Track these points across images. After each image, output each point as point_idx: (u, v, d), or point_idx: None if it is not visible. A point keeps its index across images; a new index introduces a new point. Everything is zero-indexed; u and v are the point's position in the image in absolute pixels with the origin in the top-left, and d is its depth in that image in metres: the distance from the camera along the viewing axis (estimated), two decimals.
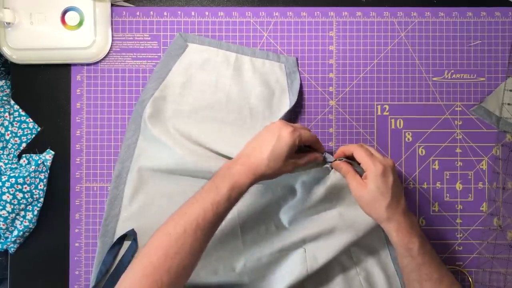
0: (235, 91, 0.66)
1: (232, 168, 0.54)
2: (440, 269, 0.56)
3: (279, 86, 0.67)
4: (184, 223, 0.50)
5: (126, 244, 0.65)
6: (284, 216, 0.65)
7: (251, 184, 0.54)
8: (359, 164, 0.57)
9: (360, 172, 0.58)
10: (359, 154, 0.57)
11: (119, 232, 0.66)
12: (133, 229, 0.65)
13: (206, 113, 0.66)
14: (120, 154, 0.67)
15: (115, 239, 0.65)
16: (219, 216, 0.52)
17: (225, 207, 0.52)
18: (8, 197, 0.63)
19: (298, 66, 0.68)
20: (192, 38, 0.68)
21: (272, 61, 0.67)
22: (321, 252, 0.63)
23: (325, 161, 0.61)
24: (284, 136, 0.54)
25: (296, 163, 0.57)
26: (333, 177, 0.62)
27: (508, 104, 0.68)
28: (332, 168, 0.61)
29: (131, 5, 0.69)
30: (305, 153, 0.59)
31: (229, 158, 0.62)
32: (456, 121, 0.69)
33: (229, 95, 0.66)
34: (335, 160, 0.60)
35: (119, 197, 0.67)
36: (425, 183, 0.69)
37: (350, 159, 0.59)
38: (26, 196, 0.64)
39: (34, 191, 0.65)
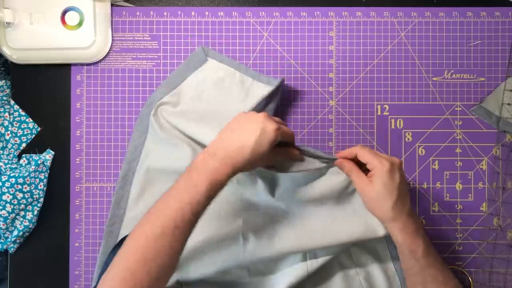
0: None
1: (209, 162, 0.50)
2: (444, 272, 0.55)
3: None
4: (161, 224, 0.47)
5: None
6: (286, 221, 0.64)
7: (230, 178, 0.51)
8: (364, 165, 0.56)
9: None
10: (363, 154, 0.56)
11: (124, 233, 0.66)
12: None
13: (212, 123, 0.66)
14: (126, 155, 0.67)
15: (119, 240, 0.65)
16: (198, 214, 0.49)
17: (204, 205, 0.49)
18: (8, 197, 0.63)
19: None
20: (213, 54, 0.68)
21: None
22: (322, 252, 0.62)
23: (302, 157, 0.60)
24: (268, 132, 0.51)
25: (273, 160, 0.56)
26: (333, 179, 0.61)
27: (508, 104, 0.68)
28: (327, 169, 0.61)
29: (131, 5, 0.69)
30: (282, 148, 0.57)
31: None
32: (456, 121, 0.69)
33: None
34: (335, 158, 0.59)
35: (124, 198, 0.67)
36: (425, 183, 0.69)
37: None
38: (26, 196, 0.64)
39: (34, 191, 0.65)
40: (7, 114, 0.68)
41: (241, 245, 0.61)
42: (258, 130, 0.51)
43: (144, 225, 0.48)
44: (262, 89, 0.67)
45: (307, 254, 0.63)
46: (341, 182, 0.61)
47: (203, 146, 0.65)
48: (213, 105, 0.67)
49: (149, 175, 0.66)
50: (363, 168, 0.57)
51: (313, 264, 0.62)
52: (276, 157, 0.56)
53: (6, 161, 0.67)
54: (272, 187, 0.64)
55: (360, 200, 0.59)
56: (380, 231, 0.59)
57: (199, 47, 0.68)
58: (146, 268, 0.45)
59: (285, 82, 0.68)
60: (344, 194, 0.62)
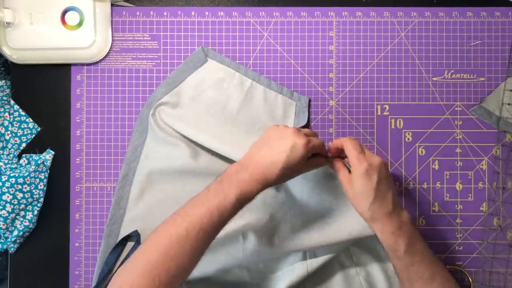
0: (241, 118, 0.66)
1: (240, 174, 0.52)
2: (432, 268, 0.55)
3: (286, 123, 0.67)
4: (186, 225, 0.48)
5: (129, 245, 0.65)
6: (285, 220, 0.64)
7: (260, 191, 0.52)
8: None
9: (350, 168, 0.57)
10: (347, 149, 0.56)
11: (123, 233, 0.66)
12: (136, 230, 0.65)
13: (211, 124, 0.66)
14: (126, 155, 0.67)
15: (118, 240, 0.65)
16: (224, 220, 0.51)
17: (231, 213, 0.51)
18: (8, 197, 0.63)
19: (309, 106, 0.68)
20: (213, 55, 0.68)
21: (284, 97, 0.67)
22: (322, 251, 0.63)
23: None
24: (298, 148, 0.52)
25: (303, 171, 0.56)
26: (332, 178, 0.62)
27: (508, 104, 0.68)
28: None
29: (131, 5, 0.69)
30: (311, 159, 0.57)
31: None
32: (456, 121, 0.69)
33: (235, 120, 0.66)
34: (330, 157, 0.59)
35: (124, 198, 0.67)
36: (425, 183, 0.69)
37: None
38: (26, 196, 0.64)
39: (34, 191, 0.65)
40: (7, 114, 0.68)
41: (241, 244, 0.61)
42: (288, 147, 0.52)
43: (169, 224, 0.50)
44: (262, 92, 0.67)
45: (307, 253, 0.63)
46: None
47: (201, 146, 0.65)
48: (212, 106, 0.67)
49: (149, 175, 0.66)
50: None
51: (313, 263, 0.62)
52: (306, 168, 0.57)
53: (6, 161, 0.67)
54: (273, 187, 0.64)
55: None
56: None
57: (199, 48, 0.68)
58: (166, 265, 0.47)
59: (285, 82, 0.68)
60: (342, 193, 0.62)
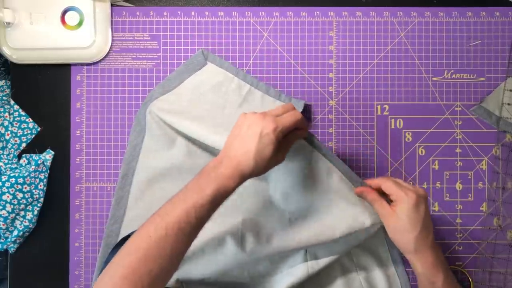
0: None
1: (217, 168, 0.50)
2: None
3: None
4: (165, 225, 0.47)
5: None
6: (284, 219, 0.64)
7: (238, 185, 0.50)
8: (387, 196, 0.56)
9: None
10: (388, 186, 0.55)
11: (123, 233, 0.66)
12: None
13: (207, 125, 0.66)
14: (125, 155, 0.67)
15: (118, 240, 0.65)
16: (202, 218, 0.49)
17: (208, 210, 0.49)
18: (8, 197, 0.63)
19: (309, 109, 0.68)
20: (212, 58, 0.68)
21: (282, 103, 0.67)
22: (323, 252, 0.62)
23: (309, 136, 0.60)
24: (267, 134, 0.50)
25: (284, 154, 0.54)
26: (328, 177, 0.62)
27: (508, 104, 0.68)
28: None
29: (131, 5, 0.69)
30: (289, 135, 0.55)
31: None
32: (456, 121, 0.69)
33: (232, 124, 0.66)
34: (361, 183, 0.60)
35: (124, 198, 0.67)
36: (425, 183, 0.69)
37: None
38: (26, 196, 0.64)
39: (34, 191, 0.65)
40: (7, 114, 0.68)
41: (240, 245, 0.61)
42: (257, 135, 0.50)
43: (148, 225, 0.48)
44: (259, 97, 0.67)
45: (308, 255, 0.63)
46: (338, 182, 0.62)
47: (198, 144, 0.65)
48: (209, 109, 0.66)
49: (149, 174, 0.66)
50: (385, 198, 0.57)
51: (314, 266, 0.62)
52: (283, 152, 0.54)
53: (6, 161, 0.67)
54: (271, 186, 0.64)
55: (350, 196, 0.60)
56: (366, 222, 0.59)
57: (199, 51, 0.68)
58: (147, 267, 0.45)
59: (285, 82, 0.68)
60: (337, 192, 0.62)
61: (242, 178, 0.50)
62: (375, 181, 0.58)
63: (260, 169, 0.51)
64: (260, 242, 0.61)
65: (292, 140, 0.56)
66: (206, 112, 0.66)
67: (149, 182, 0.66)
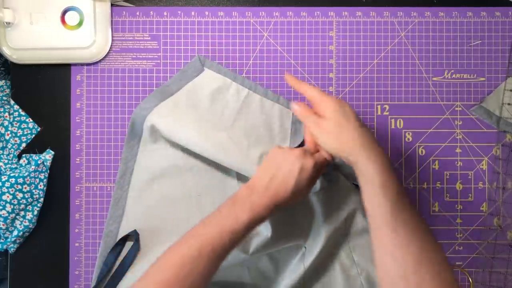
0: (237, 127, 0.66)
1: (252, 196, 0.52)
2: (420, 222, 0.49)
3: (283, 132, 0.66)
4: (199, 246, 0.49)
5: (128, 245, 0.66)
6: (282, 218, 0.65)
7: (271, 213, 0.52)
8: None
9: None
10: (312, 94, 0.55)
11: (122, 233, 0.66)
12: (135, 230, 0.65)
13: (205, 131, 0.66)
14: (123, 155, 0.67)
15: (117, 240, 0.65)
16: (235, 243, 0.51)
17: (243, 236, 0.51)
18: (8, 197, 0.63)
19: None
20: (210, 64, 0.67)
21: (281, 106, 0.67)
22: (316, 245, 0.63)
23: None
24: (307, 170, 0.53)
25: (312, 186, 0.56)
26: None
27: (508, 104, 0.68)
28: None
29: (131, 5, 0.69)
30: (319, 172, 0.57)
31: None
32: (456, 121, 0.69)
33: (231, 129, 0.66)
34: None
35: (123, 198, 0.67)
36: (425, 183, 0.69)
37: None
38: (26, 196, 0.64)
39: (34, 191, 0.65)
40: (7, 114, 0.68)
41: (241, 245, 0.61)
42: (296, 170, 0.53)
43: (182, 245, 0.50)
44: (258, 101, 0.67)
45: (306, 252, 0.63)
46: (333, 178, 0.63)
47: (195, 147, 0.64)
48: (208, 115, 0.66)
49: (147, 174, 0.66)
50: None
51: (308, 258, 0.63)
52: (313, 185, 0.57)
53: (6, 161, 0.67)
54: None
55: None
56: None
57: (196, 57, 0.67)
58: (179, 284, 0.47)
59: (285, 82, 0.68)
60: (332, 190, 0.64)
61: (278, 208, 0.53)
62: (300, 84, 0.57)
63: (293, 200, 0.54)
64: (259, 240, 0.61)
65: (320, 175, 0.57)
66: (205, 119, 0.66)
67: (147, 182, 0.66)
